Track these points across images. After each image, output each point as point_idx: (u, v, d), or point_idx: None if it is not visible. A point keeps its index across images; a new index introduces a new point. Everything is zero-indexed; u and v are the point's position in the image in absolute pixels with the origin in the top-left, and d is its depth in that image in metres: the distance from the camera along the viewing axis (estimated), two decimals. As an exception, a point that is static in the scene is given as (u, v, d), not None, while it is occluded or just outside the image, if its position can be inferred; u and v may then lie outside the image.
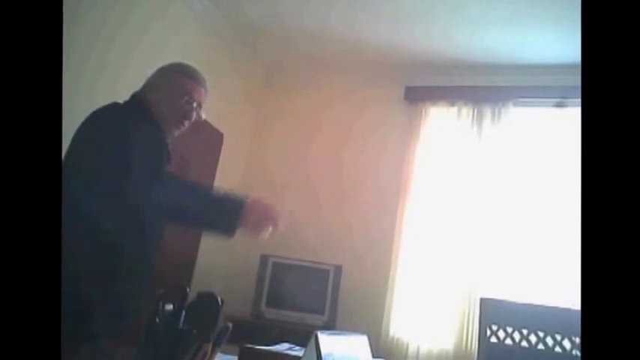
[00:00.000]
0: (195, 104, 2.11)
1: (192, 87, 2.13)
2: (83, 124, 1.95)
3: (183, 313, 1.23)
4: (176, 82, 2.11)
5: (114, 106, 2.02)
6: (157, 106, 2.04)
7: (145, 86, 2.13)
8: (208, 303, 1.25)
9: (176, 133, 2.11)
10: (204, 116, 2.19)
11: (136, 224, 1.83)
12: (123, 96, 3.47)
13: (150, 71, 2.25)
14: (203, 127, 4.22)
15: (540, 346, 2.08)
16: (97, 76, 3.23)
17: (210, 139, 4.37)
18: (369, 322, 4.07)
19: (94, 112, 1.98)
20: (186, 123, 2.10)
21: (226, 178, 4.62)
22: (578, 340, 2.00)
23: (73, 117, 2.93)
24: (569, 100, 4.03)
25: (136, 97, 2.09)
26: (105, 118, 1.95)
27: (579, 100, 3.42)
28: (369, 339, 2.53)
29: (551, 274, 3.87)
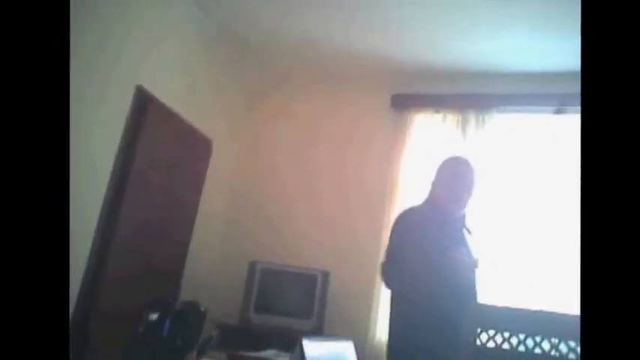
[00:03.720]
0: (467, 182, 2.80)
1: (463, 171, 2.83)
2: (398, 221, 2.78)
3: (167, 322, 1.26)
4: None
5: (419, 206, 2.82)
6: (445, 196, 2.76)
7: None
8: (192, 312, 1.29)
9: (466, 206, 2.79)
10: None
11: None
12: (114, 106, 3.52)
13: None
14: (192, 134, 4.26)
15: (521, 348, 2.11)
16: (85, 85, 3.25)
17: (199, 146, 4.40)
18: (357, 326, 4.11)
19: (405, 212, 2.84)
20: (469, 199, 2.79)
21: (216, 185, 4.65)
22: (570, 344, 2.04)
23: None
24: (565, 107, 4.07)
25: (430, 200, 2.79)
26: (414, 214, 2.78)
27: (573, 107, 3.44)
28: (357, 343, 2.58)
29: (541, 279, 3.91)
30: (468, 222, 2.80)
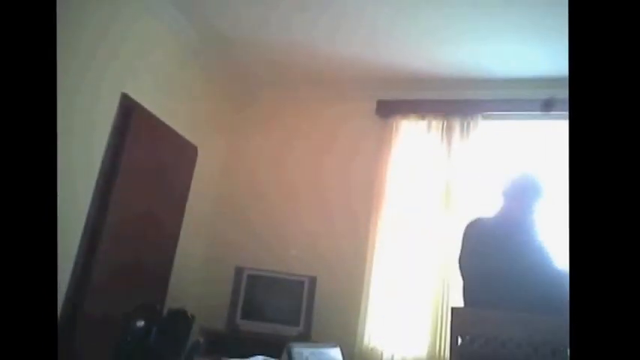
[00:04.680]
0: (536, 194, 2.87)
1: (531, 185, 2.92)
2: (469, 229, 2.90)
3: (154, 329, 1.26)
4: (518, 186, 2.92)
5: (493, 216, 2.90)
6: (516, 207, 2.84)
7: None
8: (179, 319, 1.29)
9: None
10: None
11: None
12: (99, 113, 3.51)
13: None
14: (177, 141, 4.26)
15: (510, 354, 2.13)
16: (70, 91, 3.23)
17: (185, 153, 4.40)
18: (344, 331, 4.11)
19: (475, 220, 2.97)
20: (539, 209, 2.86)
21: (201, 191, 4.64)
22: (546, 348, 2.06)
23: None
24: (552, 106, 4.10)
25: (504, 211, 2.86)
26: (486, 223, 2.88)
27: (560, 106, 3.49)
28: (344, 348, 2.57)
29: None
30: (540, 232, 2.85)
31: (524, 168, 3.15)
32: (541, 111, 3.90)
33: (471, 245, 2.81)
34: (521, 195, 2.87)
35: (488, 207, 3.66)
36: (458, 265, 2.83)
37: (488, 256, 2.62)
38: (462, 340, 2.26)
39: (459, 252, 2.86)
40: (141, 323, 1.27)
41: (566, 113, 3.51)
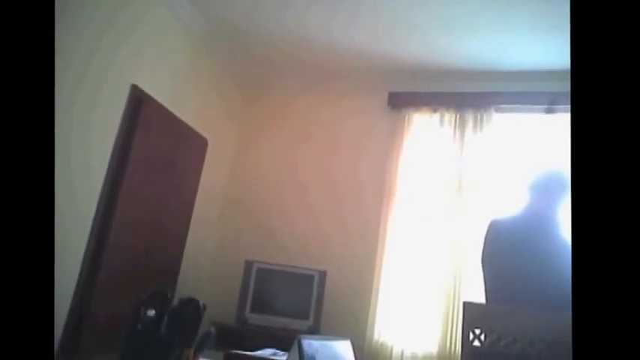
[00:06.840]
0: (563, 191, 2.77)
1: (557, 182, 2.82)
2: (495, 225, 2.80)
3: (165, 318, 1.24)
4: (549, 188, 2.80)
5: (519, 213, 2.79)
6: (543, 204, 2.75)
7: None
8: (190, 309, 1.27)
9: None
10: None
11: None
12: (109, 105, 3.49)
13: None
14: (187, 133, 4.24)
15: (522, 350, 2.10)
16: (79, 82, 3.22)
17: (195, 145, 4.38)
18: (354, 326, 4.09)
19: (501, 217, 2.87)
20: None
21: (212, 183, 4.63)
22: (559, 345, 2.03)
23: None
24: (556, 106, 4.08)
25: (529, 208, 2.77)
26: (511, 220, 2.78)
27: (564, 106, 3.46)
28: (354, 343, 2.54)
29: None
30: (565, 227, 2.81)
31: (552, 162, 3.08)
32: (546, 113, 3.91)
33: (496, 244, 2.73)
34: (550, 191, 2.78)
35: (511, 203, 3.64)
36: (480, 264, 2.75)
37: (514, 255, 2.55)
38: (474, 335, 2.24)
39: (481, 251, 2.77)
40: (152, 312, 1.25)
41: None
